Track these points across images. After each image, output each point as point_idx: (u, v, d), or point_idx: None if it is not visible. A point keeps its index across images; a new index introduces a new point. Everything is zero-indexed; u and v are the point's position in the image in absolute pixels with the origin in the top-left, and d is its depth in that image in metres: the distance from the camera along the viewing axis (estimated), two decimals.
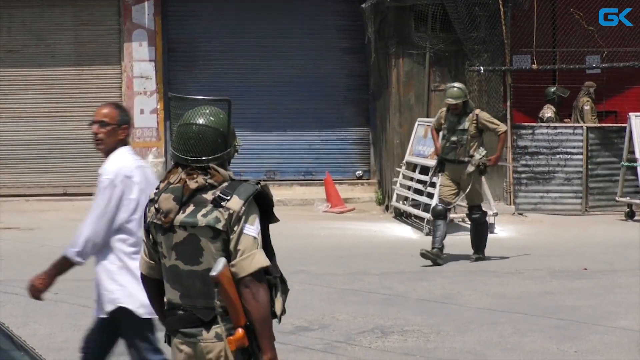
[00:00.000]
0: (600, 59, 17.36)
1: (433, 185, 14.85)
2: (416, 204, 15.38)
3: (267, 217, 4.13)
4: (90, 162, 18.11)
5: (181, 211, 4.01)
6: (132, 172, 5.58)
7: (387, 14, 16.86)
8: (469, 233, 14.82)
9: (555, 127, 16.73)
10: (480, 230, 12.31)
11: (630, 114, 16.00)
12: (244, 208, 3.97)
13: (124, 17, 18.01)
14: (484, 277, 10.96)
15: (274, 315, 4.08)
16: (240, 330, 3.94)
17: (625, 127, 16.03)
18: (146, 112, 18.01)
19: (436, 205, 12.63)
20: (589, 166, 16.52)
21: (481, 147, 12.00)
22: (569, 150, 16.55)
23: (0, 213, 16.08)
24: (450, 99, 11.94)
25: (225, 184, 4.04)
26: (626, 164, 15.90)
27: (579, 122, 17.10)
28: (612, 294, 10.03)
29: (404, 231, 14.93)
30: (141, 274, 4.27)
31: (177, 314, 4.10)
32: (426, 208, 14.68)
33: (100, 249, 5.66)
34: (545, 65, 17.07)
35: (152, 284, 4.26)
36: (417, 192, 15.44)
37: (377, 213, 16.85)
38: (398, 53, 16.96)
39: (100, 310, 5.76)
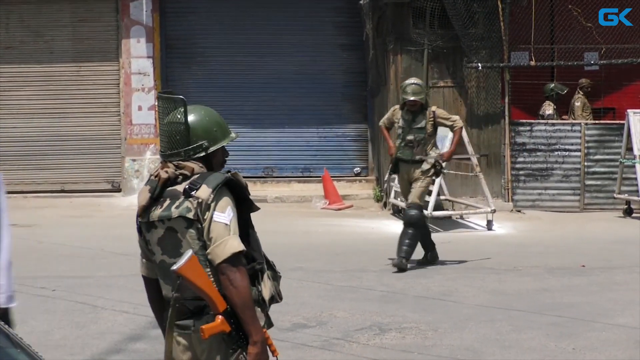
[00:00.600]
0: (599, 56, 17.35)
1: (432, 182, 14.84)
2: None
3: (246, 205, 4.18)
4: (88, 159, 18.13)
5: (159, 206, 4.11)
6: None
7: (385, 11, 16.85)
8: (466, 230, 14.87)
9: (553, 124, 16.74)
10: (414, 230, 11.29)
11: (629, 110, 16.00)
12: (212, 196, 4.02)
13: (121, 13, 17.99)
14: (481, 274, 10.95)
15: (263, 301, 4.14)
16: (218, 318, 3.98)
17: (624, 124, 16.03)
18: (144, 108, 18.00)
19: (408, 211, 11.45)
20: (587, 163, 16.52)
21: (436, 147, 11.57)
22: (567, 147, 16.56)
23: None
24: (411, 96, 11.33)
25: (197, 175, 4.10)
26: (624, 161, 15.90)
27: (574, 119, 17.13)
28: (610, 291, 10.03)
29: (401, 228, 14.89)
30: (142, 276, 4.37)
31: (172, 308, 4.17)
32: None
33: None
34: (544, 62, 17.07)
35: (152, 284, 4.36)
36: None
37: (375, 210, 16.85)
38: (396, 49, 16.95)
39: None
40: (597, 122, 16.97)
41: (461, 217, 15.58)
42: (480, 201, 15.78)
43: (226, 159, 4.32)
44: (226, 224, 4.01)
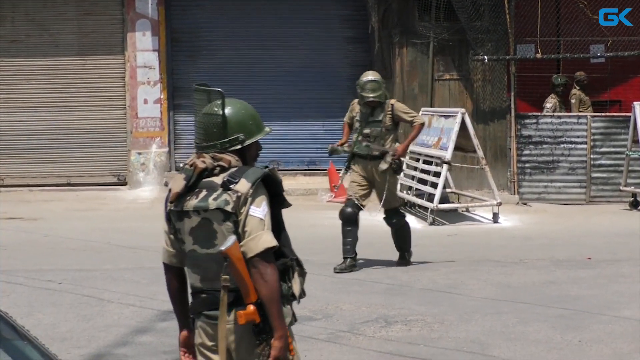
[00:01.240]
0: (605, 48, 17.33)
1: (438, 175, 14.85)
2: (420, 194, 15.37)
3: (279, 201, 4.23)
4: (93, 152, 18.14)
5: (194, 196, 4.15)
6: None
7: (390, 3, 16.84)
8: (472, 223, 14.86)
9: (559, 117, 16.72)
10: (401, 233, 11.15)
11: (635, 103, 15.96)
12: (251, 190, 4.08)
13: (127, 6, 17.98)
14: (487, 267, 10.95)
15: (292, 296, 4.23)
16: (251, 306, 4.05)
17: (630, 117, 16.00)
18: (150, 102, 18.00)
19: (345, 207, 11.02)
20: (593, 156, 16.51)
21: (397, 143, 10.98)
22: (573, 139, 16.54)
23: (3, 203, 16.10)
24: (369, 95, 10.85)
25: (234, 168, 4.15)
26: (630, 153, 15.88)
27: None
28: (616, 284, 10.02)
29: (407, 221, 14.89)
30: (163, 262, 4.43)
31: (200, 297, 4.24)
32: (430, 198, 14.68)
33: None
34: (550, 55, 17.04)
35: (172, 271, 4.41)
36: (421, 181, 15.44)
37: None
38: (402, 42, 16.95)
39: None
40: (603, 114, 16.94)
41: (467, 210, 15.58)
42: (486, 194, 15.77)
43: (259, 152, 4.36)
44: (261, 219, 4.07)
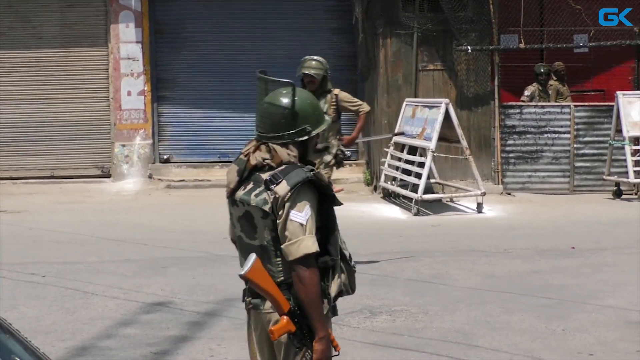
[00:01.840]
0: (588, 38, 17.37)
1: (422, 165, 14.86)
2: (404, 184, 15.39)
3: (329, 200, 4.21)
4: (77, 145, 18.08)
5: (243, 187, 4.19)
6: None
7: None
8: (457, 213, 14.88)
9: (542, 107, 16.74)
10: None
11: (618, 92, 16.02)
12: (289, 194, 4.05)
13: None
14: (472, 257, 10.97)
15: (324, 296, 4.19)
16: (283, 318, 4.07)
17: (613, 106, 16.05)
18: (133, 93, 17.95)
19: None
20: (576, 145, 16.55)
21: (338, 135, 10.48)
22: (556, 129, 16.58)
23: None
24: (308, 70, 10.31)
25: (282, 167, 4.13)
26: (614, 142, 15.93)
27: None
28: (599, 273, 10.06)
29: (392, 211, 14.94)
30: (232, 240, 4.46)
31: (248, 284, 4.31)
32: (414, 188, 14.69)
33: None
34: (533, 45, 17.07)
35: None
36: (405, 172, 15.46)
37: (365, 193, 16.84)
38: (386, 33, 16.93)
39: None
40: (586, 104, 16.98)
41: (451, 200, 15.60)
42: (470, 184, 15.80)
43: (318, 141, 4.41)
44: (302, 224, 4.05)
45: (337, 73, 18.64)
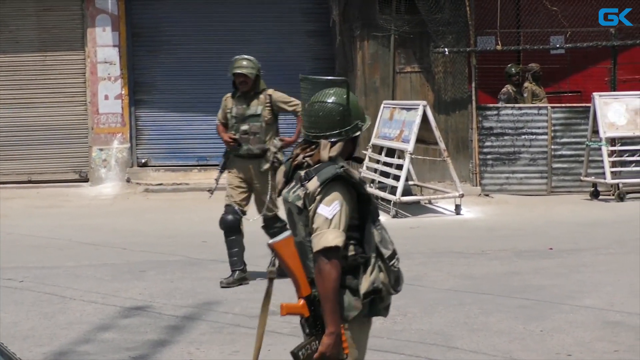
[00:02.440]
0: (564, 39, 17.44)
1: (400, 167, 14.87)
2: (383, 187, 15.40)
3: (362, 199, 4.29)
4: (54, 149, 18.01)
5: (288, 186, 4.38)
6: None
7: None
8: (435, 215, 14.90)
9: (520, 108, 16.79)
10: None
11: (595, 93, 16.09)
12: (319, 189, 4.18)
13: (86, 2, 17.86)
14: (450, 259, 10.99)
15: (356, 293, 4.26)
16: (300, 300, 4.22)
17: (590, 107, 16.12)
18: (110, 97, 17.90)
19: (225, 215, 9.78)
20: (554, 146, 16.61)
21: (276, 139, 9.85)
22: (534, 130, 16.63)
23: None
24: (240, 69, 9.75)
25: (317, 166, 4.27)
26: (591, 143, 15.99)
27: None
28: (577, 273, 10.10)
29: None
30: None
31: None
32: (393, 190, 14.70)
33: None
34: (510, 46, 17.12)
35: None
36: (384, 174, 15.47)
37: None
38: (363, 35, 16.96)
39: None
40: (563, 105, 17.05)
41: (429, 202, 15.63)
42: (448, 186, 15.84)
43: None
44: (327, 218, 4.15)
45: (315, 75, 18.67)
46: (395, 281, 4.42)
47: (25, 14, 17.96)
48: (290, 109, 9.91)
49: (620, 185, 15.65)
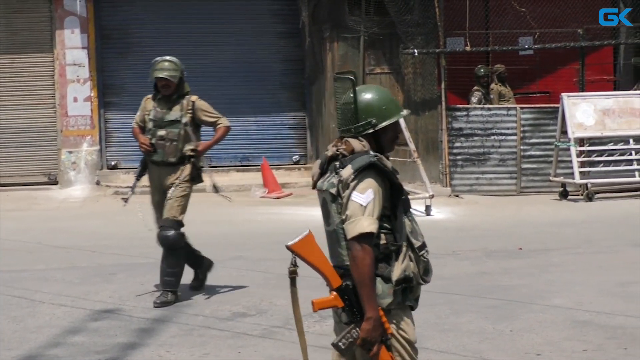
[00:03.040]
0: (533, 40, 17.53)
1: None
2: None
3: (394, 189, 4.33)
4: (23, 152, 17.92)
5: (322, 177, 4.44)
6: None
7: None
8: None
9: (489, 109, 16.86)
10: (179, 253, 9.17)
11: (563, 94, 16.18)
12: (352, 176, 4.23)
13: (55, 4, 17.80)
14: None
15: (389, 281, 4.30)
16: (332, 293, 4.28)
17: (558, 108, 16.20)
18: (80, 100, 17.83)
19: (162, 231, 9.17)
20: (523, 147, 16.69)
21: (192, 144, 9.32)
22: (503, 131, 16.71)
23: None
24: (161, 73, 9.11)
25: (351, 156, 4.32)
26: (559, 144, 16.08)
27: None
28: (546, 273, 10.14)
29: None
30: None
31: None
32: None
33: None
34: (479, 47, 17.19)
35: None
36: None
37: (314, 197, 16.77)
38: (332, 37, 16.99)
39: None
40: (532, 106, 17.14)
41: None
42: (418, 187, 15.87)
43: (398, 135, 4.59)
44: (361, 205, 4.20)
45: (285, 77, 18.72)
46: (424, 271, 4.50)
47: None
48: (210, 120, 9.38)
49: (589, 186, 15.75)
